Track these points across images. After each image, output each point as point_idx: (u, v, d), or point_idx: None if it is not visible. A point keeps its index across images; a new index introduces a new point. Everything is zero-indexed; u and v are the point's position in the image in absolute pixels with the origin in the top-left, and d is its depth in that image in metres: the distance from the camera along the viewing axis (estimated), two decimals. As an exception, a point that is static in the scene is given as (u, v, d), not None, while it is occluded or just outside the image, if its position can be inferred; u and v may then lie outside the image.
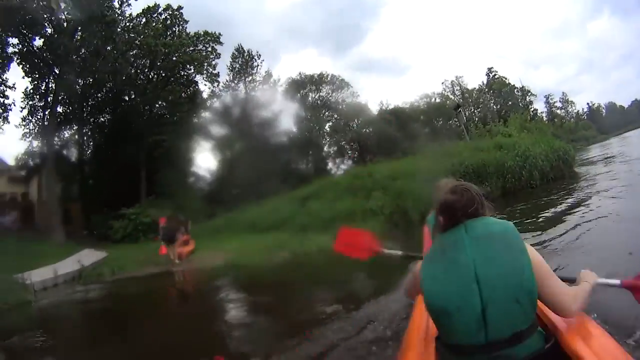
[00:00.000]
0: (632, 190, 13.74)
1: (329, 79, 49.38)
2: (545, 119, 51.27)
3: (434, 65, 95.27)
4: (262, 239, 18.67)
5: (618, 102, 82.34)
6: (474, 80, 63.00)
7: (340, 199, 20.70)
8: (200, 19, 46.02)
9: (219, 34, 39.97)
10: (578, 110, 63.81)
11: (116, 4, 34.77)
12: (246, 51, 47.23)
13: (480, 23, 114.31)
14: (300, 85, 48.02)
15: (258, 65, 47.34)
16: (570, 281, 2.84)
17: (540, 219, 12.76)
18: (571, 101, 63.25)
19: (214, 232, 22.78)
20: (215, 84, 41.44)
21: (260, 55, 47.50)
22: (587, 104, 75.66)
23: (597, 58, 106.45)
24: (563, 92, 63.14)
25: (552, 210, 14.10)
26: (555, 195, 17.68)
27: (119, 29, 34.22)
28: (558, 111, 59.86)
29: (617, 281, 2.93)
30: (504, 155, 22.59)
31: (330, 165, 44.78)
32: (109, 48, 32.93)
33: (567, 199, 15.82)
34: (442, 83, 55.66)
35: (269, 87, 46.54)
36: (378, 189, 20.64)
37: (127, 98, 35.91)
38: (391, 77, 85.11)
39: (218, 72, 40.94)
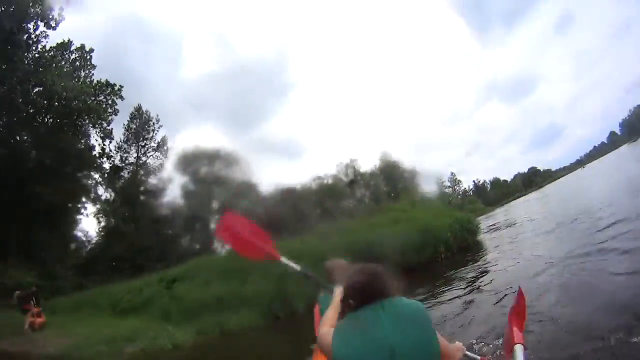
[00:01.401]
0: (521, 257, 14.05)
1: (223, 155, 46.57)
2: (433, 198, 48.99)
3: (330, 149, 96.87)
4: (117, 323, 16.34)
5: (502, 176, 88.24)
6: (367, 163, 63.04)
7: (214, 282, 18.40)
8: (115, 74, 44.72)
9: (121, 86, 38.14)
10: (465, 188, 64.97)
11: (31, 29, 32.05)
12: (144, 112, 45.12)
13: (379, 111, 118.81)
14: (194, 159, 45.09)
15: (155, 130, 45.18)
16: None
17: (440, 296, 12.36)
18: (459, 180, 64.85)
19: (75, 307, 20.26)
20: (108, 142, 39.27)
21: (159, 119, 45.60)
22: (473, 181, 79.50)
23: (483, 141, 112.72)
24: (452, 173, 65.07)
25: (453, 285, 13.53)
26: (459, 269, 16.43)
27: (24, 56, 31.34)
28: (446, 190, 60.11)
29: (477, 357, 3.26)
30: (403, 229, 20.67)
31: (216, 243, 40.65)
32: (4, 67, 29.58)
33: (469, 273, 15.11)
34: (337, 165, 54.56)
35: (162, 155, 44.40)
36: (257, 272, 17.81)
37: (17, 138, 32.26)
38: (287, 160, 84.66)
39: (112, 129, 39.09)
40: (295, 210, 40.90)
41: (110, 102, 37.56)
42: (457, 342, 2.87)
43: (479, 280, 12.57)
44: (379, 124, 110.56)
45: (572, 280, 8.87)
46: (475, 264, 16.37)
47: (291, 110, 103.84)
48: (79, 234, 37.50)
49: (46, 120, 33.55)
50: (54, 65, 33.00)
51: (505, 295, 9.35)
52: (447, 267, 17.29)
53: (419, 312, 2.32)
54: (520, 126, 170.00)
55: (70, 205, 35.93)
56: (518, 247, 16.79)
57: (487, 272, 13.83)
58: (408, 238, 19.35)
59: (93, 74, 36.85)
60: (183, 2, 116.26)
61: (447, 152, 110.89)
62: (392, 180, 53.72)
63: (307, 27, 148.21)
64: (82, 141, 36.37)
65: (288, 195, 45.13)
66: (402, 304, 2.32)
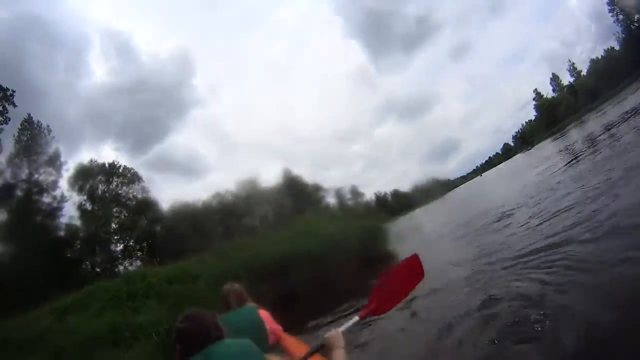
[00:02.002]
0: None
1: (120, 170, 46.14)
2: (336, 211, 48.94)
3: (231, 167, 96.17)
4: None
5: (402, 188, 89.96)
6: (270, 179, 62.00)
7: (109, 310, 16.27)
8: (10, 81, 38.61)
9: (13, 91, 35.23)
10: (367, 200, 65.14)
11: None
12: (36, 123, 41.66)
13: (279, 128, 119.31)
14: (90, 174, 43.64)
15: (47, 142, 41.66)
16: (321, 347, 2.82)
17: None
18: (361, 192, 65.07)
19: None
20: None
21: (51, 130, 42.10)
22: (375, 193, 79.80)
23: (382, 156, 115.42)
24: (352, 185, 65.02)
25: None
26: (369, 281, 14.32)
27: None
28: (348, 202, 60.07)
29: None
30: (308, 241, 18.96)
31: (121, 267, 40.39)
32: None
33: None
34: (238, 182, 53.45)
35: (55, 171, 41.01)
36: (152, 296, 16.25)
37: None
38: (188, 179, 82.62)
39: (0, 140, 35.54)
40: (195, 228, 39.64)
41: (1, 108, 34.63)
42: (328, 333, 2.71)
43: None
44: (280, 140, 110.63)
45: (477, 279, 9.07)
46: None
47: (191, 128, 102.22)
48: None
49: None
50: None
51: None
52: (357, 280, 15.47)
53: (249, 352, 2.32)
54: (418, 141, 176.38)
55: None
56: (428, 252, 15.84)
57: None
58: (313, 251, 18.06)
59: None
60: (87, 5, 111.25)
61: (347, 167, 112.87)
62: (295, 195, 53.43)
63: (209, 40, 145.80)
64: None
65: (188, 213, 43.79)
66: (228, 346, 2.31)
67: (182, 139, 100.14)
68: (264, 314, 4.37)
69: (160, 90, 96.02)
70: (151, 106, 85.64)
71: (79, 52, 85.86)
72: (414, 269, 3.77)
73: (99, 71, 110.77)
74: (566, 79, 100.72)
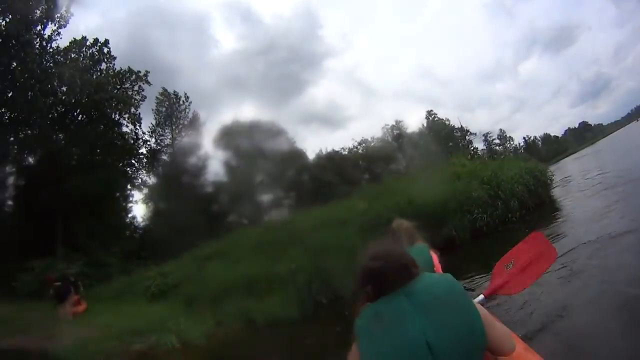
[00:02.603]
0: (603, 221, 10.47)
1: (262, 126, 44.64)
2: (485, 156, 47.25)
3: (374, 114, 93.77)
4: (142, 311, 14.40)
5: (552, 132, 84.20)
6: (414, 124, 59.70)
7: (246, 259, 15.73)
8: (145, 66, 38.61)
9: (147, 71, 36.19)
10: (515, 145, 60.94)
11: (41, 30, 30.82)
12: (172, 94, 42.73)
13: (419, 70, 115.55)
14: (234, 133, 42.69)
15: (186, 108, 42.98)
16: None
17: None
18: (509, 137, 60.86)
19: (118, 293, 18.58)
20: (138, 126, 36.66)
21: (188, 97, 43.23)
22: (524, 138, 75.88)
23: (529, 96, 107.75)
24: (500, 129, 61.24)
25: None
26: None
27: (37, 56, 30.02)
28: (497, 147, 56.73)
29: (481, 297, 3.20)
30: (467, 185, 16.93)
31: (267, 216, 38.11)
32: (19, 69, 28.65)
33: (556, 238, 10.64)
34: (382, 128, 53.07)
35: (197, 133, 42.17)
36: (295, 243, 15.15)
37: (54, 137, 30.98)
38: (331, 129, 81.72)
39: (139, 113, 36.44)
40: (341, 176, 39.07)
41: (136, 88, 35.71)
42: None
43: (565, 251, 8.84)
44: (421, 83, 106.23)
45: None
46: (555, 227, 12.41)
47: (328, 79, 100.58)
48: (123, 223, 35.71)
49: (75, 116, 32.35)
50: (67, 61, 31.82)
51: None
52: (524, 230, 12.61)
53: (452, 291, 1.95)
54: (565, 79, 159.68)
55: (118, 194, 35.10)
56: (595, 207, 12.84)
57: (571, 238, 10.19)
58: (475, 196, 15.89)
59: (114, 65, 35.08)
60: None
61: (493, 109, 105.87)
62: (442, 139, 51.96)
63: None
64: (115, 130, 34.62)
65: (334, 160, 43.18)
66: (429, 285, 1.97)
67: (320, 91, 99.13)
68: (434, 256, 3.93)
69: (290, 48, 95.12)
70: (284, 64, 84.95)
71: (201, 27, 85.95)
72: (542, 248, 3.59)
73: (226, 40, 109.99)
74: None
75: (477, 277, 9.13)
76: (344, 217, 15.92)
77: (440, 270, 3.88)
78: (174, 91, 42.87)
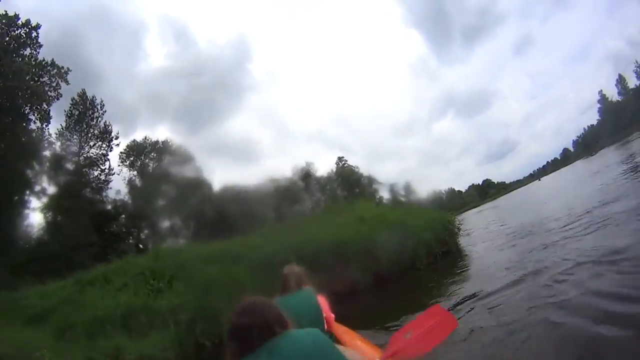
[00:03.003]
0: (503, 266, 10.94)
1: (173, 148, 44.82)
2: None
3: (287, 154, 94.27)
4: (14, 335, 11.44)
5: (457, 187, 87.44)
6: (324, 168, 59.89)
7: (131, 287, 13.88)
8: (70, 64, 36.27)
9: (68, 68, 34.21)
10: (421, 197, 62.53)
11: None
12: (89, 98, 40.42)
13: (335, 118, 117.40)
14: (142, 150, 43.03)
15: (99, 117, 40.58)
16: None
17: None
18: (413, 189, 62.37)
19: None
20: (46, 125, 34.86)
21: (103, 105, 40.93)
22: (432, 191, 77.68)
23: (438, 152, 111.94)
24: (406, 181, 62.18)
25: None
26: (448, 282, 11.77)
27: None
28: (402, 198, 57.54)
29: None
30: (372, 229, 15.76)
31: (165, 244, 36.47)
32: None
33: (459, 288, 10.51)
34: (292, 168, 52.16)
35: (106, 145, 40.25)
36: (181, 277, 13.39)
37: None
38: (243, 163, 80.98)
39: (49, 110, 34.42)
40: (246, 212, 37.80)
41: (54, 84, 33.57)
42: None
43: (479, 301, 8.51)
44: (336, 129, 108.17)
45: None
46: (459, 278, 11.85)
47: (247, 113, 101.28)
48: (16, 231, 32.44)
49: None
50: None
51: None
52: (431, 278, 13.03)
53: (318, 345, 1.93)
54: (475, 139, 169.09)
55: (16, 198, 32.01)
56: (496, 258, 12.81)
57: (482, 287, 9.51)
58: (381, 241, 14.80)
59: (38, 53, 33.00)
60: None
61: (402, 161, 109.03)
62: (348, 185, 52.35)
63: (268, 27, 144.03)
64: (23, 125, 32.34)
65: (240, 195, 42.24)
66: (293, 342, 1.92)
67: (237, 123, 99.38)
68: (321, 299, 4.17)
69: (217, 75, 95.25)
70: (208, 90, 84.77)
71: (136, 37, 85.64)
72: (441, 320, 3.88)
73: (156, 55, 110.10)
74: (632, 82, 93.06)
75: (378, 331, 8.02)
76: (239, 253, 14.49)
77: (330, 313, 4.24)
78: (93, 96, 40.73)
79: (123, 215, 38.15)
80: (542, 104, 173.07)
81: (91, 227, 33.02)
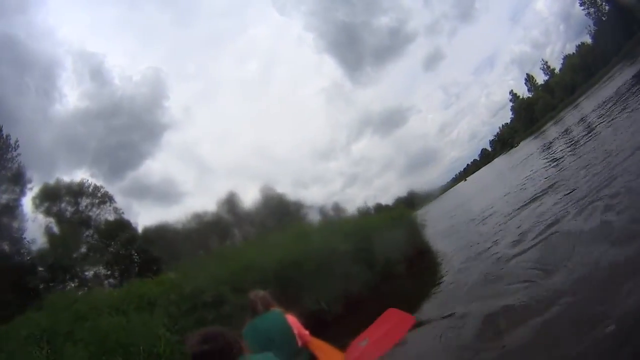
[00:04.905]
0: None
1: (90, 190, 40.96)
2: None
3: (209, 191, 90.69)
4: None
5: (383, 202, 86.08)
6: (249, 199, 56.53)
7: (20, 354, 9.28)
8: None
9: None
10: (349, 215, 60.90)
11: None
12: (3, 137, 36.11)
13: (255, 148, 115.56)
14: (57, 194, 38.49)
15: (12, 157, 36.13)
16: None
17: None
18: (344, 208, 60.36)
19: None
20: None
21: (18, 145, 36.54)
22: (357, 208, 75.10)
23: (360, 171, 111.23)
24: (334, 202, 60.18)
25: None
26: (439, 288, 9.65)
27: None
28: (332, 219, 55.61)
29: None
30: (327, 242, 11.73)
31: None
32: None
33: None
34: (217, 202, 46.52)
35: (18, 189, 35.81)
36: (80, 335, 8.83)
37: None
38: (166, 204, 76.81)
39: None
40: (172, 251, 33.85)
41: None
42: None
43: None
44: (257, 160, 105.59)
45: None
46: (452, 278, 9.82)
47: (166, 152, 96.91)
48: None
49: None
50: None
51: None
52: (411, 288, 10.52)
53: None
54: (394, 154, 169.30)
55: None
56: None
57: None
58: (342, 251, 11.12)
59: None
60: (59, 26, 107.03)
61: (326, 185, 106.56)
62: (277, 213, 46.97)
63: (180, 61, 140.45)
64: None
65: (165, 234, 38.08)
66: None
67: (157, 164, 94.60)
68: (291, 318, 4.23)
69: (133, 114, 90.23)
70: (125, 131, 79.73)
71: (50, 75, 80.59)
72: (397, 321, 4.00)
73: (71, 95, 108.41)
74: (540, 79, 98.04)
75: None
76: (157, 293, 10.23)
77: (303, 330, 4.26)
78: (7, 135, 36.31)
79: (41, 268, 33.30)
80: (456, 112, 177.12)
81: (7, 283, 28.85)
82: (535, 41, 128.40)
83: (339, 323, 9.09)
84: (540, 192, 12.50)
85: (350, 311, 9.80)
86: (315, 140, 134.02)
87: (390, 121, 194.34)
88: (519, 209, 12.30)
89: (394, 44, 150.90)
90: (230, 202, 45.95)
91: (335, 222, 14.30)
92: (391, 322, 3.86)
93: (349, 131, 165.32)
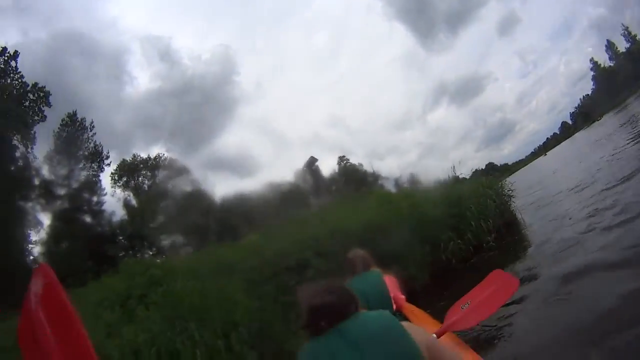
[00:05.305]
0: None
1: (166, 162, 42.10)
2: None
3: (284, 163, 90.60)
4: None
5: (460, 175, 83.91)
6: (325, 170, 56.32)
7: (86, 320, 7.91)
8: (58, 96, 35.84)
9: (49, 91, 33.45)
10: (427, 188, 59.32)
11: None
12: (78, 119, 38.18)
13: (330, 119, 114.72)
14: (134, 169, 40.46)
15: (89, 138, 38.39)
16: None
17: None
18: (418, 180, 59.12)
19: None
20: (30, 148, 32.84)
21: (94, 126, 38.81)
22: (433, 181, 73.67)
23: (437, 142, 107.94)
24: (411, 173, 58.97)
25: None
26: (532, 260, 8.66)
27: None
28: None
29: (432, 336, 2.60)
30: (416, 207, 11.08)
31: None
32: None
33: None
34: (295, 172, 49.36)
35: (97, 167, 38.13)
36: (155, 298, 8.74)
37: None
38: (241, 176, 77.74)
39: (34, 132, 33.02)
40: (249, 220, 33.16)
41: (36, 108, 32.70)
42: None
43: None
44: (332, 132, 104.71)
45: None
46: (544, 249, 8.90)
47: (241, 126, 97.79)
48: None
49: None
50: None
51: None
52: (506, 259, 9.20)
53: (388, 328, 1.74)
54: (471, 125, 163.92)
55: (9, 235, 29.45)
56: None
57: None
58: (433, 217, 10.52)
59: (21, 80, 32.19)
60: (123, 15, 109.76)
61: (402, 156, 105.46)
62: (354, 183, 47.75)
63: (249, 36, 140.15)
64: (6, 153, 30.40)
65: (241, 204, 39.25)
66: (363, 323, 1.75)
67: (232, 137, 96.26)
68: (389, 280, 4.01)
69: (205, 91, 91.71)
70: (199, 107, 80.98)
71: (119, 61, 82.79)
72: (502, 283, 3.55)
73: (142, 77, 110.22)
74: (622, 46, 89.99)
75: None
76: (231, 261, 10.05)
77: (399, 294, 4.17)
78: (83, 118, 38.39)
79: (121, 237, 34.94)
80: (534, 82, 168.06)
81: (87, 252, 30.50)
82: (613, 5, 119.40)
83: (427, 292, 8.52)
84: (633, 171, 11.37)
85: (439, 281, 9.30)
86: (390, 111, 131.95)
87: (466, 90, 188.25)
88: (609, 187, 11.20)
89: (465, 7, 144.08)
90: (307, 172, 47.28)
91: (422, 189, 13.34)
92: (496, 285, 3.47)
93: (425, 100, 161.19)
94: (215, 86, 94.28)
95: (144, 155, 43.03)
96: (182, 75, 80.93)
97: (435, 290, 8.55)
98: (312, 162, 44.73)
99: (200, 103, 79.40)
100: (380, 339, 1.65)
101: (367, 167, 57.11)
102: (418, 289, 8.52)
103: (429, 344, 1.73)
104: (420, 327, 1.92)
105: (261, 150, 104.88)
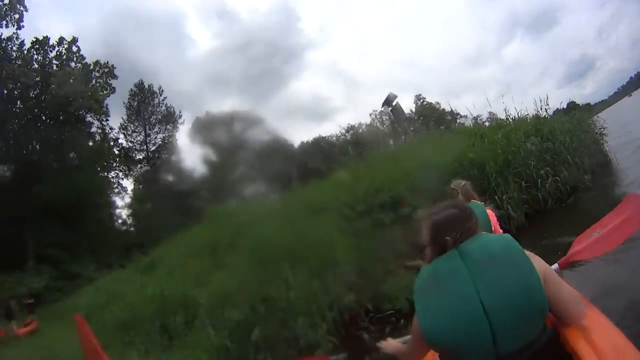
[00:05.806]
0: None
1: (240, 115, 42.29)
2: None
3: (359, 105, 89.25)
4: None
5: (542, 113, 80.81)
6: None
7: (175, 270, 10.37)
8: (122, 70, 36.68)
9: (113, 65, 34.60)
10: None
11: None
12: (147, 87, 39.90)
13: (398, 59, 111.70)
14: (208, 125, 41.18)
15: (159, 103, 40.22)
16: None
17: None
18: (499, 118, 57.21)
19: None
20: (105, 120, 34.92)
21: (162, 90, 40.41)
22: (512, 119, 71.20)
23: (514, 79, 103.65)
24: (490, 112, 56.82)
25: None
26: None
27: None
28: None
29: (555, 265, 2.75)
30: (510, 142, 10.16)
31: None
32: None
33: None
34: (371, 114, 49.25)
35: (172, 127, 40.35)
36: (241, 245, 8.89)
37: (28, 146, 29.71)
38: (317, 121, 77.79)
39: (106, 105, 34.22)
40: (329, 163, 32.59)
41: (103, 82, 33.89)
42: None
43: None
44: (404, 71, 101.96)
45: None
46: None
47: (310, 71, 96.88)
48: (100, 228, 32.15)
49: (44, 120, 30.51)
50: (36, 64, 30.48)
51: None
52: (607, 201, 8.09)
53: (509, 251, 1.68)
54: (550, 61, 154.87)
55: (98, 201, 32.99)
56: None
57: None
58: (526, 148, 9.78)
59: (85, 63, 33.27)
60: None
61: (479, 94, 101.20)
62: (433, 122, 46.89)
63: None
64: (82, 129, 32.83)
65: (320, 146, 40.27)
66: (484, 245, 1.71)
67: (303, 84, 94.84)
68: (490, 213, 3.91)
69: (269, 42, 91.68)
70: (265, 59, 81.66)
71: (176, 26, 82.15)
72: (636, 209, 3.00)
73: (203, 39, 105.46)
74: None
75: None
76: (320, 200, 9.91)
77: (499, 230, 3.95)
78: (150, 85, 40.12)
79: (203, 191, 36.10)
80: (612, 13, 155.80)
81: (173, 208, 32.11)
82: None
83: (523, 235, 7.70)
84: None
85: (533, 222, 8.71)
86: (462, 46, 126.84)
87: (540, 21, 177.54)
88: None
89: None
90: (384, 113, 45.45)
91: (512, 122, 12.56)
92: (629, 210, 3.06)
93: (497, 34, 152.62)
94: (278, 36, 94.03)
95: (217, 110, 44.10)
96: (242, 30, 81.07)
97: (531, 234, 7.93)
98: (391, 98, 43.92)
99: (265, 54, 79.92)
100: (501, 262, 1.64)
101: (446, 105, 55.81)
102: (514, 230, 8.05)
103: (548, 275, 1.71)
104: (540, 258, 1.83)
105: (334, 94, 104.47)
